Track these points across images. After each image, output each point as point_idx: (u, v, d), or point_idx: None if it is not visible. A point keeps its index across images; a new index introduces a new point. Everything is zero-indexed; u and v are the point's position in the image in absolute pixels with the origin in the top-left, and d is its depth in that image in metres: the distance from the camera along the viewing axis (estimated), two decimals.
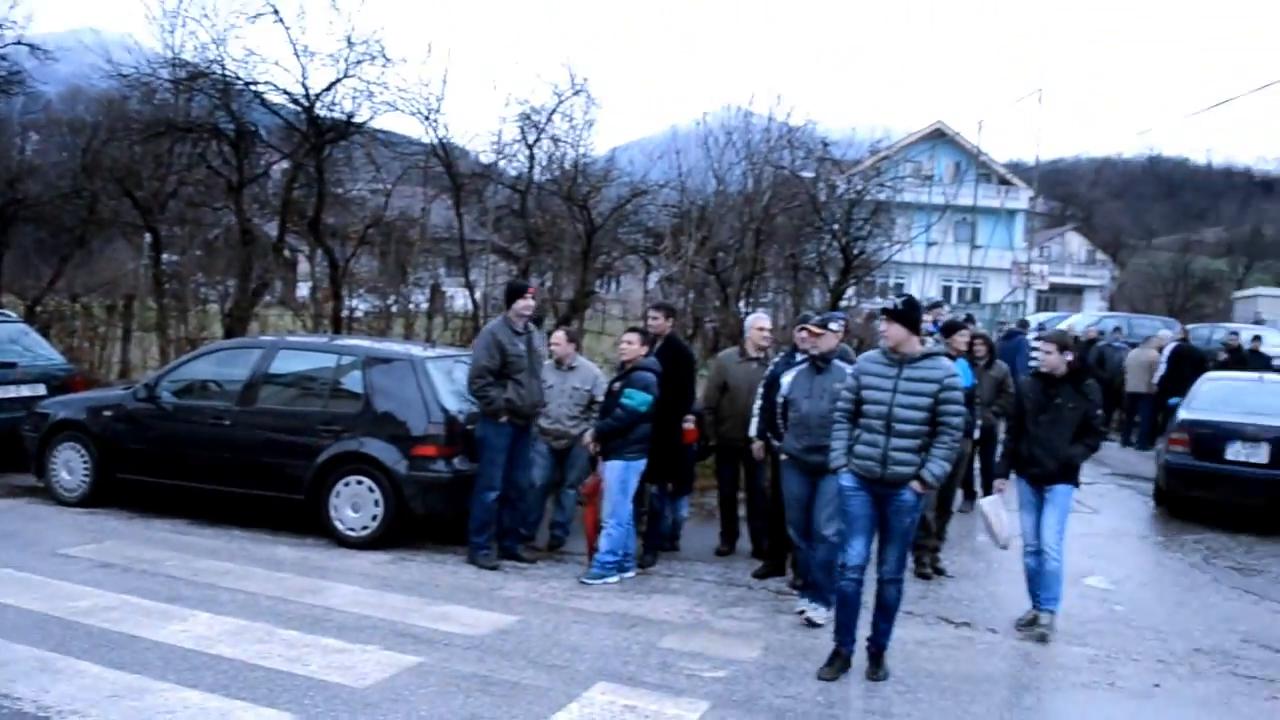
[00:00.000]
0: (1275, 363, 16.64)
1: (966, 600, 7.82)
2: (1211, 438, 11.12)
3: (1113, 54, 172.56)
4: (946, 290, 41.29)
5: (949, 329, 9.01)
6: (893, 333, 5.90)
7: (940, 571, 8.47)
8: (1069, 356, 7.12)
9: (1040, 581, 7.02)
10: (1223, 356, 16.66)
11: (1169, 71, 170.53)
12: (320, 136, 13.07)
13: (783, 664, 6.07)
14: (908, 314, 5.90)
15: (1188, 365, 15.84)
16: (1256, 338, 18.27)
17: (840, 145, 17.54)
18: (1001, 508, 7.18)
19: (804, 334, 7.24)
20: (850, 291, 16.06)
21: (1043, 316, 29.66)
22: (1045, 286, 43.78)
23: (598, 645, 6.24)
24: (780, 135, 14.82)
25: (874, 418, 5.89)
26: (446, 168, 13.66)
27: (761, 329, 8.80)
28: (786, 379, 7.29)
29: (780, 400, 7.29)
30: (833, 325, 7.09)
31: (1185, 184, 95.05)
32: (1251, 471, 10.86)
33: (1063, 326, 22.91)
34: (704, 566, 8.44)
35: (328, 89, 12.83)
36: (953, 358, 8.36)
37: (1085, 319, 25.17)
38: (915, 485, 5.82)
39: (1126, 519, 11.29)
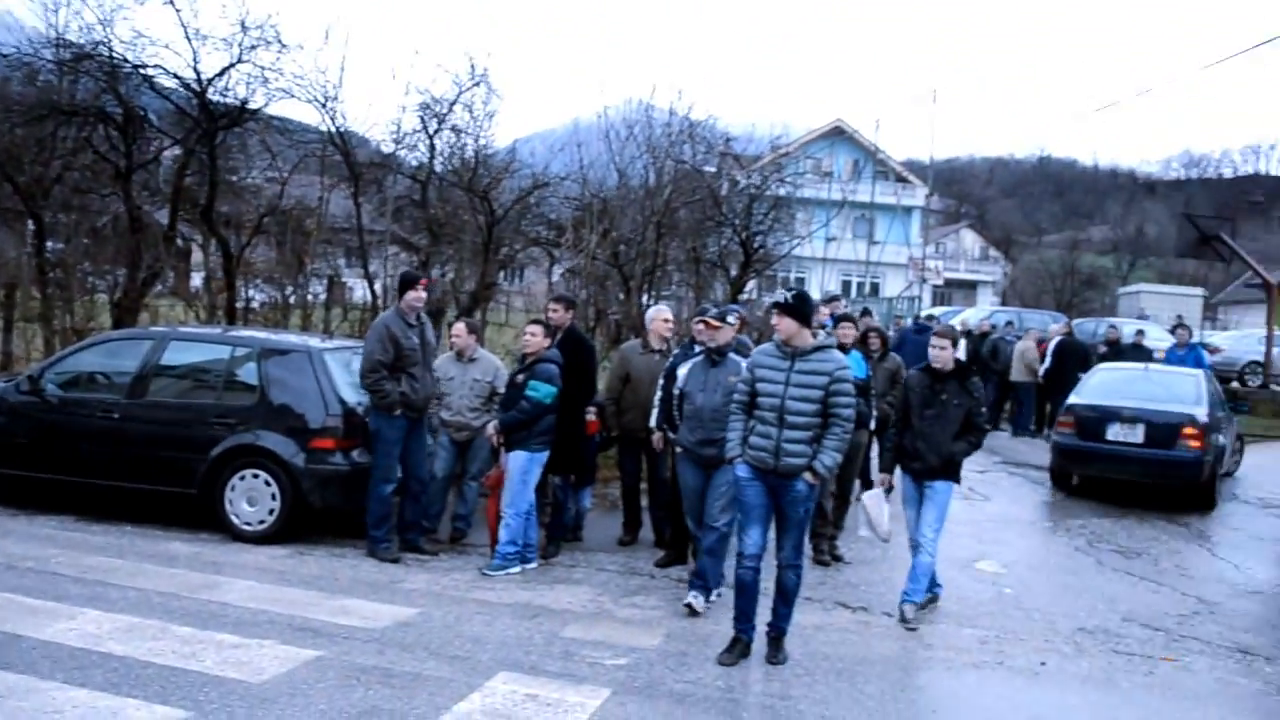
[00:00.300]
0: (1155, 355, 17.33)
1: (863, 586, 8.00)
2: (1094, 420, 12.04)
3: (1004, 57, 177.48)
4: (846, 284, 42.10)
5: (839, 322, 9.19)
6: (784, 326, 6.00)
7: (838, 558, 8.65)
8: (958, 353, 7.32)
9: (910, 573, 7.18)
10: (1103, 349, 17.34)
11: (1059, 74, 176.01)
12: (213, 122, 12.72)
13: (684, 650, 6.14)
14: (798, 308, 6.01)
15: (1072, 358, 16.53)
16: (1140, 332, 19.06)
17: (741, 141, 17.80)
18: (883, 501, 7.29)
19: (701, 326, 7.31)
20: (751, 285, 16.28)
21: (938, 311, 30.44)
22: (940, 281, 44.99)
23: (500, 636, 6.23)
24: (681, 130, 14.92)
25: (767, 409, 5.99)
26: (344, 156, 13.43)
27: (666, 321, 8.88)
28: (682, 371, 7.34)
29: (675, 392, 7.35)
30: (729, 318, 7.16)
31: (1074, 184, 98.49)
32: (1128, 450, 11.78)
33: (956, 320, 23.59)
34: (607, 556, 8.48)
35: (220, 74, 12.49)
36: (845, 349, 8.56)
37: (978, 313, 25.93)
38: (808, 476, 5.94)
39: (1016, 505, 11.66)
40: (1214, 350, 21.22)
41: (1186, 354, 16.34)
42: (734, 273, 15.09)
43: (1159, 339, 20.69)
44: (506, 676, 5.50)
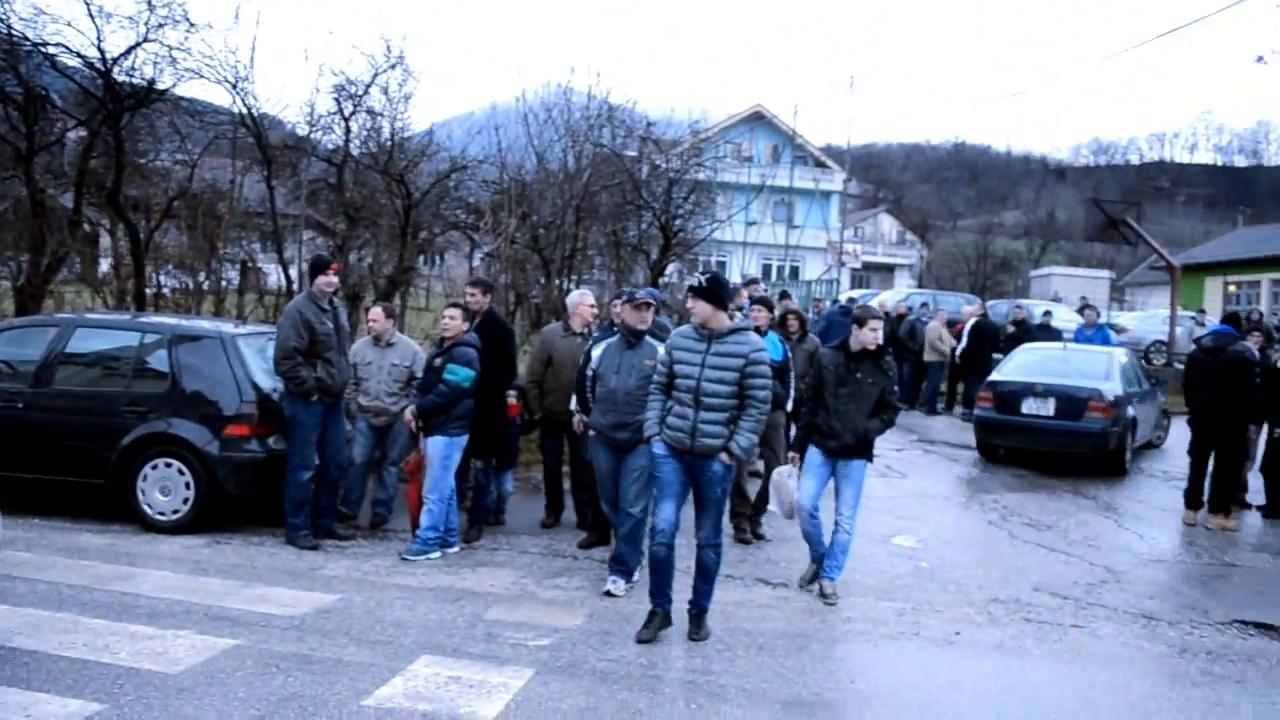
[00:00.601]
0: (1064, 335, 17.82)
1: (784, 562, 8.10)
2: (1011, 395, 13.01)
3: (921, 44, 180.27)
4: (766, 268, 42.47)
5: (754, 304, 9.28)
6: (699, 309, 6.02)
7: (759, 536, 8.75)
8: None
9: (829, 551, 7.22)
10: (1011, 329, 17.85)
11: (974, 62, 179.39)
12: (119, 103, 12.34)
13: (606, 629, 6.17)
14: (713, 291, 6.02)
15: (987, 338, 17.10)
16: (1047, 313, 19.68)
17: (660, 125, 17.81)
18: (793, 478, 7.32)
19: (628, 308, 7.22)
20: (671, 268, 16.34)
21: (856, 293, 30.85)
22: (859, 265, 45.62)
23: (422, 620, 6.20)
24: (600, 113, 14.91)
25: (684, 391, 6.02)
26: (257, 139, 13.15)
27: (591, 306, 8.89)
28: (596, 351, 7.29)
29: (589, 373, 7.30)
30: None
31: (988, 170, 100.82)
32: (1041, 422, 12.72)
33: (874, 303, 23.97)
34: (529, 539, 8.48)
35: (126, 53, 12.12)
36: (761, 331, 8.63)
37: (895, 295, 26.33)
38: (724, 457, 5.97)
39: (932, 482, 11.90)
40: (1120, 330, 21.84)
41: (1094, 334, 16.85)
42: (654, 256, 15.13)
43: (1067, 320, 21.29)
44: (429, 660, 5.48)
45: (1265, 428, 10.91)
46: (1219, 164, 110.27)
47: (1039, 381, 12.93)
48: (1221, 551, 9.33)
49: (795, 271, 44.12)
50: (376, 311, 8.90)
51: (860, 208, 69.69)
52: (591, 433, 7.29)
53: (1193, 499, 10.34)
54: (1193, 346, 11.62)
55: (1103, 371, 13.24)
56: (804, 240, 41.40)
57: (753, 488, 8.95)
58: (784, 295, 15.32)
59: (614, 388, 6.96)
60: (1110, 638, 6.77)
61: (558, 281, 14.04)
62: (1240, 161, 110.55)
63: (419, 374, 8.31)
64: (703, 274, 6.30)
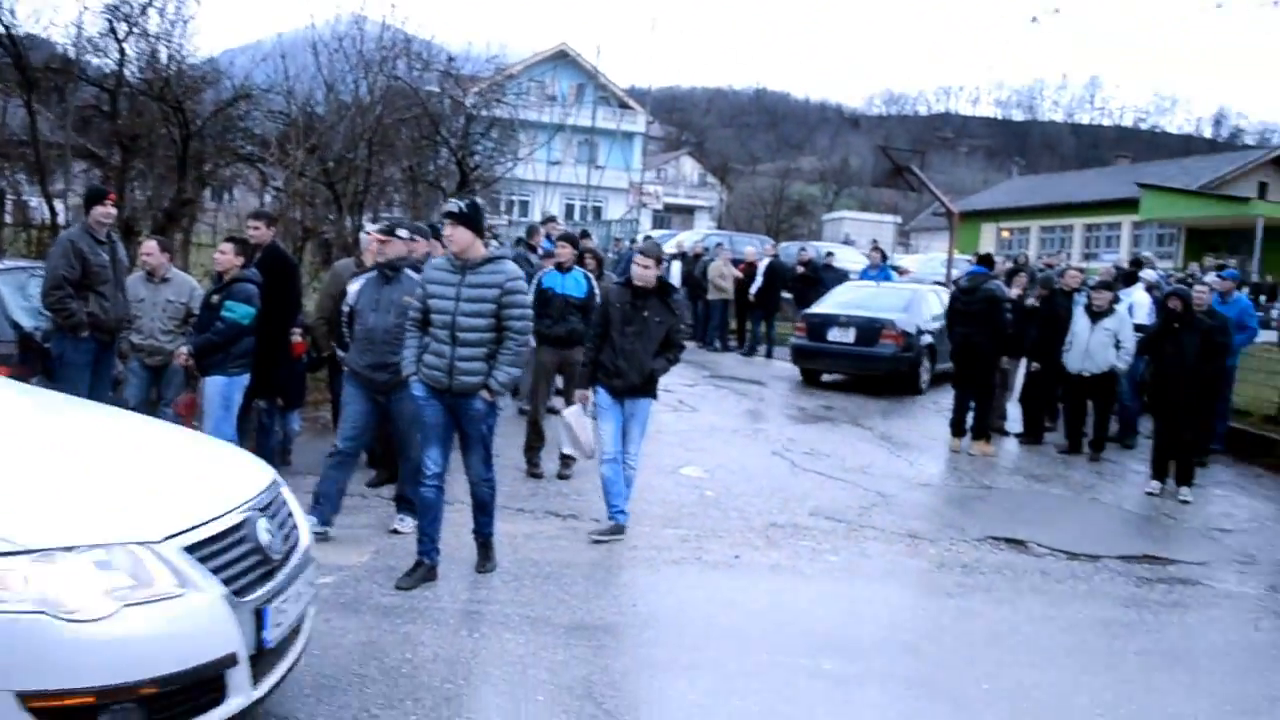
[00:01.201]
0: (851, 276, 18.66)
1: (574, 495, 8.23)
2: (820, 325, 14.86)
3: None
4: (570, 208, 42.47)
5: (559, 241, 9.33)
6: (457, 236, 5.71)
7: (564, 477, 8.75)
8: (671, 274, 7.49)
9: (615, 490, 7.20)
10: (800, 269, 18.60)
11: (774, 6, 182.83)
12: None
13: (392, 565, 6.13)
14: (472, 217, 5.75)
15: (779, 278, 17.82)
16: (829, 254, 20.71)
17: (460, 60, 17.48)
18: (585, 418, 7.34)
19: (373, 239, 6.88)
20: None
21: (656, 234, 31.26)
22: (660, 206, 46.18)
23: None
24: (395, 45, 14.50)
25: (440, 327, 5.76)
26: (15, 60, 12.16)
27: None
28: (353, 287, 6.89)
29: (345, 309, 6.91)
30: (399, 232, 6.74)
31: (787, 117, 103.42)
32: (843, 348, 14.58)
33: (672, 243, 24.42)
34: (316, 480, 8.26)
35: None
36: (567, 268, 8.71)
37: (694, 236, 26.79)
38: (484, 394, 5.80)
39: (721, 416, 12.27)
40: (903, 271, 22.98)
41: (878, 274, 17.75)
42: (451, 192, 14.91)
43: (854, 261, 22.33)
44: None
45: (1024, 361, 11.80)
46: (999, 117, 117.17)
47: (843, 313, 14.72)
48: (981, 475, 10.06)
49: (598, 211, 44.30)
50: (150, 245, 8.43)
51: (663, 150, 70.41)
52: (346, 370, 6.95)
53: (957, 428, 11.09)
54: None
55: (902, 305, 14.85)
56: (606, 181, 41.65)
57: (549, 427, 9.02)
58: (584, 235, 15.40)
59: (372, 325, 6.57)
60: (877, 556, 7.23)
61: (350, 217, 13.65)
62: (1018, 116, 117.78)
63: (196, 311, 7.95)
64: (460, 199, 6.10)
